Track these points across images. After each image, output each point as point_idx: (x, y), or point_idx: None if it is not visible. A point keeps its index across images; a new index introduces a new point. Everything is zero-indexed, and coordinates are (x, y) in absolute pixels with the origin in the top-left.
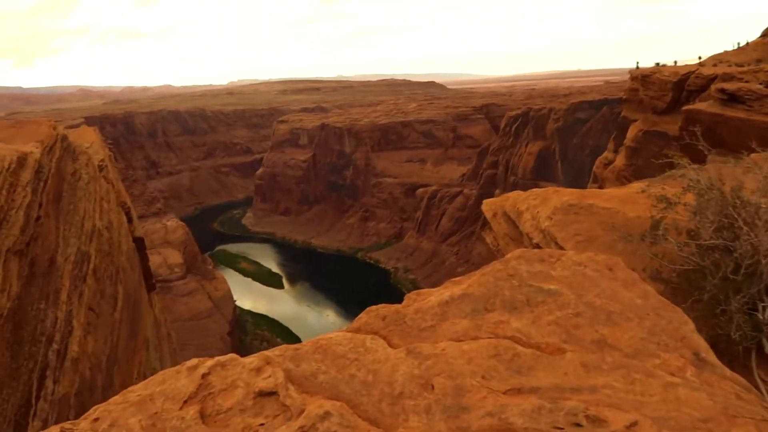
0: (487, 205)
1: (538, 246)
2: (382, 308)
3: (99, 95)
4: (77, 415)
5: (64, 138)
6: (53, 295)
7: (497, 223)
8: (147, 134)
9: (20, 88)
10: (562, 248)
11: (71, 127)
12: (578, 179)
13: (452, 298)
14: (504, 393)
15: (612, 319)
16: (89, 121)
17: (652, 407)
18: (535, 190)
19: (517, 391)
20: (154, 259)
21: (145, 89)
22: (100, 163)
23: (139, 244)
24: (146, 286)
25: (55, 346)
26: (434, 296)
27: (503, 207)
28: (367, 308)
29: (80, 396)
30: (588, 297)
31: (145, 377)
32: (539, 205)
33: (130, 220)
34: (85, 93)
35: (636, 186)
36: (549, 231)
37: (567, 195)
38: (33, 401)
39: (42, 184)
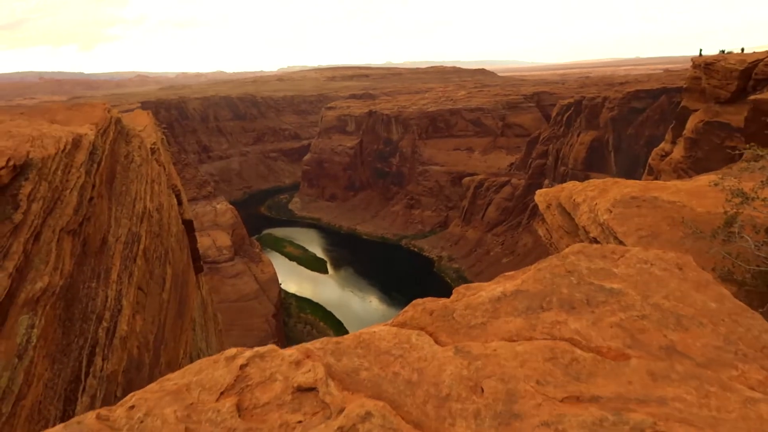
0: (541, 196)
1: (595, 240)
2: (429, 302)
3: (155, 81)
4: (124, 392)
5: (118, 121)
6: (104, 274)
7: (551, 214)
8: (199, 119)
9: (82, 73)
10: (622, 243)
11: (128, 111)
12: (632, 171)
13: (505, 294)
14: (561, 401)
15: (682, 324)
16: (145, 105)
17: (730, 425)
18: (592, 180)
19: (576, 399)
20: (204, 241)
21: (198, 75)
22: (153, 146)
23: (188, 226)
24: (194, 268)
25: (104, 324)
26: (485, 291)
27: (558, 198)
28: (413, 301)
29: (128, 373)
30: (655, 298)
31: (190, 357)
32: (597, 196)
33: (180, 203)
34: (142, 79)
35: (705, 179)
36: (608, 225)
37: (628, 187)
38: (83, 377)
39: (96, 165)
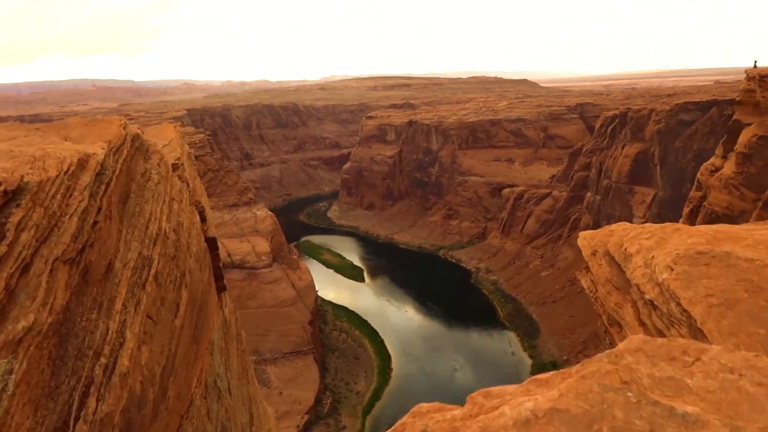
0: (585, 239)
1: (652, 304)
2: (433, 416)
3: (201, 89)
4: None
5: (137, 137)
6: (107, 304)
7: (597, 263)
8: (242, 126)
9: (132, 81)
10: (686, 312)
11: (175, 118)
12: (679, 186)
13: (536, 415)
14: None
15: None
16: (191, 113)
17: None
18: (648, 225)
19: None
20: (244, 247)
21: (243, 84)
22: (176, 162)
23: (212, 244)
24: (216, 287)
25: (102, 360)
26: (509, 408)
27: (606, 244)
28: (414, 409)
29: (127, 413)
30: (749, 430)
31: (206, 384)
32: (655, 247)
33: (203, 220)
34: (188, 86)
35: None
36: (669, 287)
37: (693, 236)
38: (71, 422)
39: (104, 186)
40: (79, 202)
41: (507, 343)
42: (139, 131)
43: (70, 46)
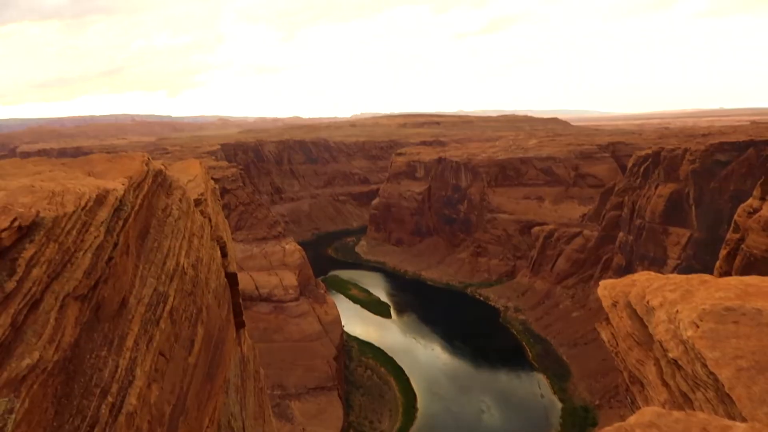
0: (606, 290)
1: (676, 364)
2: None
3: (236, 124)
4: None
5: (159, 173)
6: (118, 341)
7: (617, 316)
8: (274, 161)
9: (170, 116)
10: (713, 375)
11: (209, 152)
12: (715, 227)
13: None
14: None
15: None
16: (225, 148)
17: None
18: (674, 276)
19: None
20: (271, 280)
21: (275, 120)
22: (199, 197)
23: (232, 279)
24: (235, 324)
25: (109, 398)
26: None
27: (627, 295)
28: None
29: None
30: None
31: (218, 424)
32: (679, 301)
33: (224, 255)
34: (223, 122)
35: None
36: (695, 346)
37: (721, 290)
38: None
39: (121, 222)
40: (95, 237)
41: (536, 385)
42: (162, 167)
43: (113, 83)
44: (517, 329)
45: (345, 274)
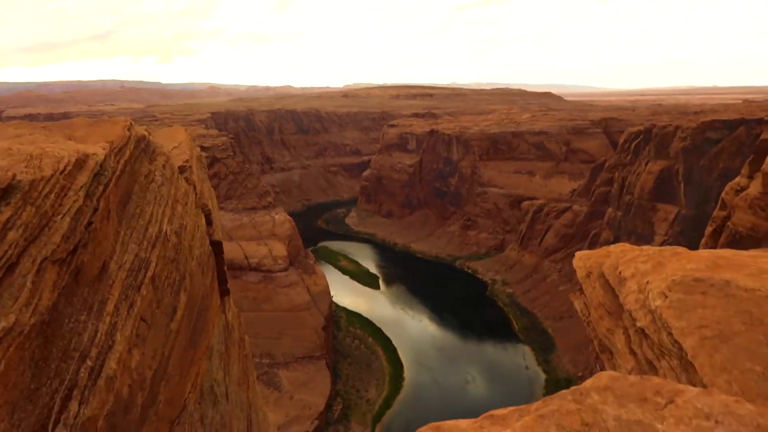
0: (581, 260)
1: (643, 332)
2: None
3: (226, 93)
4: None
5: (142, 139)
6: (98, 305)
7: (591, 286)
8: (265, 131)
9: (159, 83)
10: (678, 343)
11: (200, 121)
12: (703, 204)
13: None
14: None
15: None
16: (215, 116)
17: None
18: (647, 248)
19: None
20: (261, 250)
21: (267, 89)
22: (184, 164)
23: (217, 247)
24: (219, 291)
25: (89, 362)
26: None
27: (601, 266)
28: None
29: (111, 417)
30: None
31: (201, 390)
32: (651, 272)
33: (209, 223)
34: (214, 90)
35: None
36: (662, 315)
37: (692, 262)
38: (50, 426)
39: (102, 187)
40: (74, 202)
41: (521, 357)
42: (145, 133)
43: (102, 48)
44: (504, 302)
45: (335, 245)
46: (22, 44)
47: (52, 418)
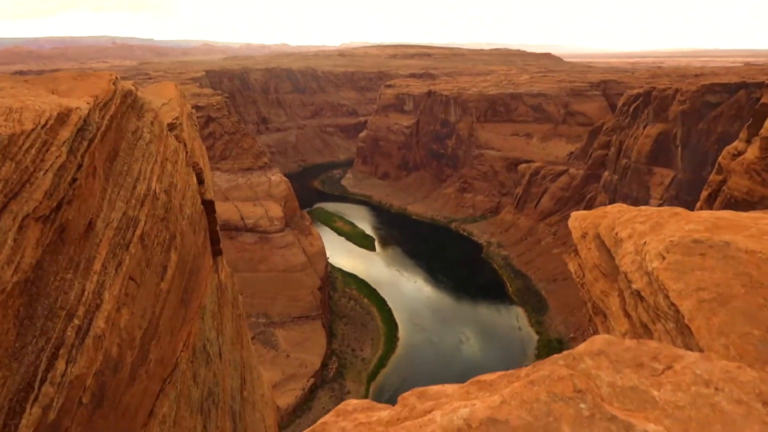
0: (576, 220)
1: (639, 295)
2: (357, 417)
3: (220, 50)
4: (94, 398)
5: (129, 94)
6: (85, 264)
7: (586, 247)
8: (260, 90)
9: (152, 40)
10: (674, 306)
11: (194, 79)
12: (699, 168)
13: (469, 425)
14: None
15: None
16: (209, 74)
17: None
18: (645, 208)
19: None
20: (257, 211)
21: (262, 47)
22: (174, 121)
23: (209, 207)
24: (212, 251)
25: (76, 321)
26: (440, 415)
27: (597, 227)
28: (340, 406)
29: (101, 375)
30: None
31: (194, 349)
32: (648, 232)
33: (201, 182)
34: (208, 48)
35: None
36: (659, 277)
37: (691, 223)
38: (36, 385)
39: (86, 143)
40: (56, 157)
41: (514, 319)
42: (132, 88)
43: (92, 2)
44: (499, 264)
45: (331, 206)
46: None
47: (39, 377)
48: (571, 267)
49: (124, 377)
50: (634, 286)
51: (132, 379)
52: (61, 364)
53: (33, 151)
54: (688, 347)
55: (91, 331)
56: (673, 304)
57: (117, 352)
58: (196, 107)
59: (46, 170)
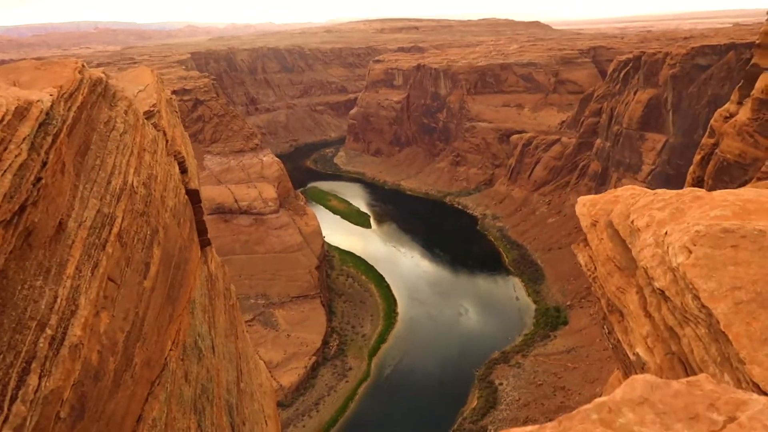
0: (585, 207)
1: (662, 294)
2: None
3: (205, 32)
4: (73, 410)
5: (99, 82)
6: (56, 268)
7: (597, 237)
8: (248, 71)
9: (135, 23)
10: (706, 309)
11: (179, 62)
12: (691, 132)
13: None
14: None
15: None
16: (195, 56)
17: None
18: (662, 192)
19: None
20: (250, 193)
21: (247, 27)
22: (151, 109)
23: (194, 196)
24: (200, 242)
25: (48, 331)
26: None
27: (609, 214)
28: None
29: (80, 386)
30: None
31: (185, 346)
32: (669, 220)
33: (184, 171)
34: (192, 29)
35: None
36: (686, 274)
37: (717, 207)
38: (6, 404)
39: (50, 138)
40: (15, 156)
41: (512, 289)
42: (102, 75)
43: None
44: (495, 236)
45: (324, 185)
46: None
47: (8, 395)
48: (581, 259)
49: (106, 385)
50: (656, 284)
51: (116, 386)
52: (33, 379)
53: None
54: (723, 356)
55: (66, 340)
56: (704, 306)
57: (97, 359)
58: (183, 90)
59: (5, 171)
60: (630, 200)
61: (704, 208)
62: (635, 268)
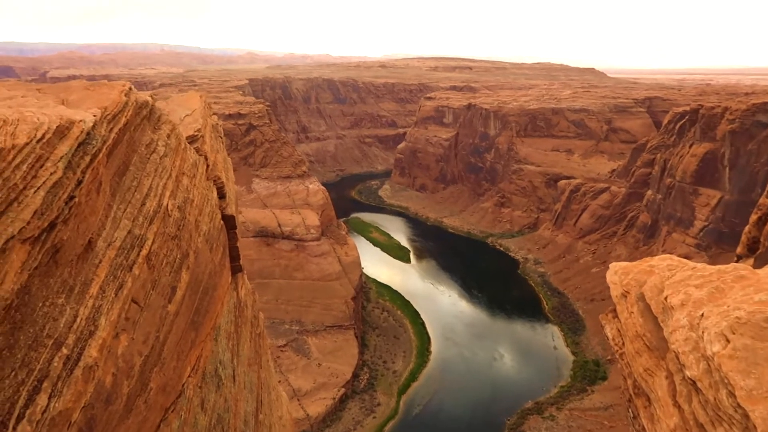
0: (617, 275)
1: (693, 384)
2: None
3: (264, 59)
4: None
5: (144, 105)
6: (80, 287)
7: (627, 310)
8: (301, 99)
9: (198, 47)
10: (742, 410)
11: (237, 87)
12: (748, 190)
13: None
14: None
15: None
16: (252, 83)
17: None
18: (701, 267)
19: None
20: (294, 219)
21: (305, 57)
22: (195, 133)
23: (229, 222)
24: (231, 268)
25: (64, 350)
26: None
27: (641, 286)
28: None
29: (90, 409)
30: None
31: (204, 373)
32: (706, 301)
33: (222, 196)
34: (252, 57)
35: None
36: (721, 366)
37: (763, 290)
38: (12, 423)
39: (88, 158)
40: (51, 174)
41: (550, 338)
42: (149, 99)
43: (146, 7)
44: (536, 281)
45: (367, 216)
46: (66, 10)
47: (15, 414)
48: (608, 331)
49: (118, 409)
50: (688, 373)
51: (128, 411)
52: (42, 399)
53: (24, 167)
54: None
55: (81, 360)
56: (740, 406)
57: (111, 382)
58: (239, 114)
59: (38, 188)
60: (666, 272)
61: (748, 290)
62: (666, 350)
